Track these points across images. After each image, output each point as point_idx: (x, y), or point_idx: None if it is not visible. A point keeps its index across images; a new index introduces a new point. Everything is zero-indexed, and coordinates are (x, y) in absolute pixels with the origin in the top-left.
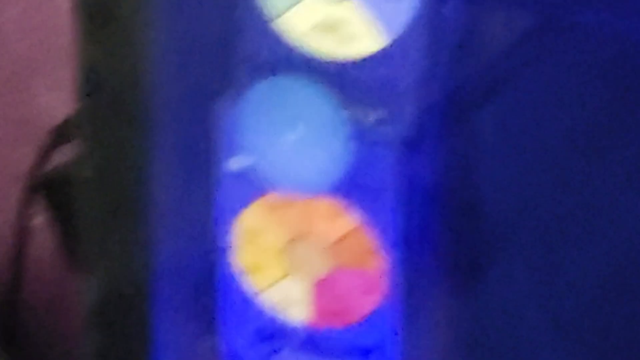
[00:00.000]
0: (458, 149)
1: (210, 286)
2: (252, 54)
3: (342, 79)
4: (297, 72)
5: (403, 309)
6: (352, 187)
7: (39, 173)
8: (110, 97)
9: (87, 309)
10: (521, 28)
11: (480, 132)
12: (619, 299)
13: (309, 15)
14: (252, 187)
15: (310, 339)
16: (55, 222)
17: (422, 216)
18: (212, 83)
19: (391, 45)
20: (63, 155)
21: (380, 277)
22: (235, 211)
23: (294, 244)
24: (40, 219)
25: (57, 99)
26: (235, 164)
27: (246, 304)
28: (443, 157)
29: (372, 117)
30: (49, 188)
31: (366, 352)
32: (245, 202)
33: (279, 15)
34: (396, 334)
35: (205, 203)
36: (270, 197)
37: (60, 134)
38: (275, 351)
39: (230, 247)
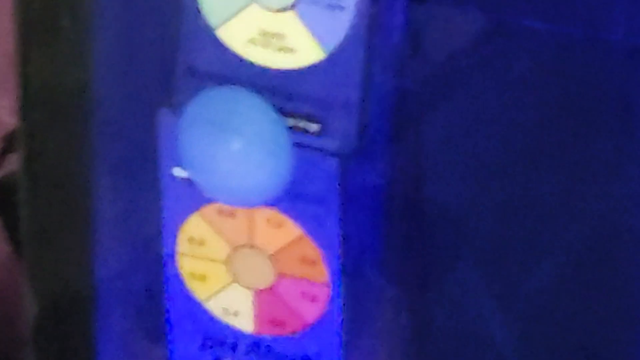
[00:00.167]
0: (401, 158)
1: (155, 295)
2: (194, 63)
3: (282, 90)
4: (238, 82)
5: (346, 318)
6: (293, 198)
7: None
8: (53, 106)
9: (30, 317)
10: (465, 35)
11: (424, 140)
12: (569, 301)
13: (250, 25)
14: (195, 196)
15: (255, 347)
16: (5, 229)
17: (365, 226)
18: (155, 92)
19: (331, 56)
20: (13, 163)
21: (323, 286)
22: (179, 220)
23: (237, 253)
24: None
25: (6, 106)
26: (178, 172)
27: (192, 313)
28: (385, 166)
29: (312, 127)
30: None
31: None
32: (189, 211)
33: (220, 25)
34: (339, 342)
35: (150, 212)
36: (213, 206)
37: (10, 142)
38: (219, 359)
39: (175, 255)
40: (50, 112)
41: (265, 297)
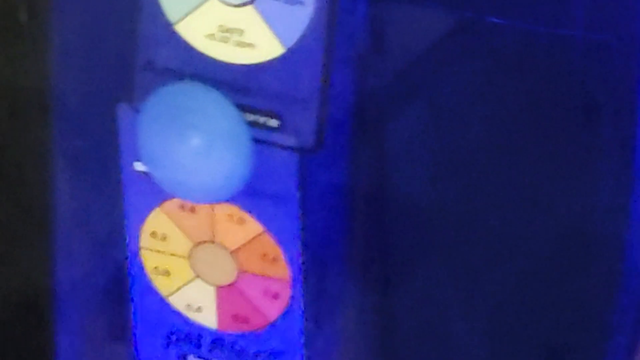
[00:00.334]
0: (363, 154)
1: (119, 291)
2: (153, 58)
3: (242, 85)
4: (197, 77)
5: (308, 315)
6: (253, 194)
7: None
8: (11, 102)
9: None
10: (427, 31)
11: (386, 136)
12: (534, 298)
13: (209, 20)
14: (157, 191)
15: (219, 343)
16: None
17: (326, 222)
18: (115, 87)
19: (290, 51)
20: None
21: (284, 283)
22: (142, 214)
23: (199, 249)
24: None
25: None
26: (139, 167)
27: (156, 308)
28: (346, 162)
29: (272, 122)
30: None
31: (272, 356)
32: (151, 206)
33: (179, 20)
34: (302, 339)
35: (113, 207)
36: (175, 201)
37: None
38: (184, 355)
39: (139, 250)
40: (8, 109)
41: (228, 294)
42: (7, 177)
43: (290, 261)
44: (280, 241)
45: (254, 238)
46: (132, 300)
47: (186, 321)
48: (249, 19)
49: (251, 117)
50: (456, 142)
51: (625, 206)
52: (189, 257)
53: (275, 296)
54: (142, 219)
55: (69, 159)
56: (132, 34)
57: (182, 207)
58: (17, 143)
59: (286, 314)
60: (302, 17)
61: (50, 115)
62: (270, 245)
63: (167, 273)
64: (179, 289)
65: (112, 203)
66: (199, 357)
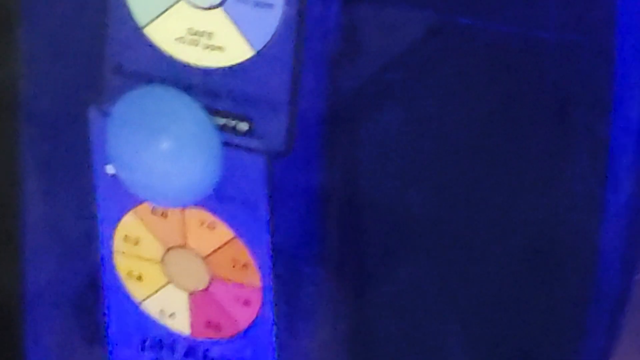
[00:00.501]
0: (334, 158)
1: (92, 296)
2: (121, 61)
3: (211, 88)
4: (166, 80)
5: (279, 323)
6: (224, 199)
7: None
8: None
9: None
10: (400, 33)
11: (358, 139)
12: (508, 298)
13: (178, 23)
14: (129, 194)
15: (192, 350)
16: None
17: (297, 228)
18: (84, 90)
19: (260, 54)
20: None
21: (255, 290)
22: (114, 218)
23: (171, 254)
24: None
25: None
26: (111, 170)
27: (130, 313)
28: (318, 166)
29: (242, 126)
30: None
31: None
32: (123, 209)
33: (148, 23)
34: (273, 347)
35: (85, 211)
36: (147, 205)
37: None
38: None
39: (112, 254)
40: None
41: (200, 300)
42: None
43: (261, 267)
44: (251, 247)
45: (225, 244)
46: (106, 305)
47: (160, 327)
48: (218, 22)
49: (221, 121)
50: (429, 144)
51: (599, 208)
52: (162, 262)
53: (247, 303)
54: (114, 223)
55: (39, 163)
56: (100, 37)
57: (154, 211)
58: None
59: (257, 321)
60: (271, 20)
61: (19, 118)
62: (240, 251)
63: (140, 278)
64: (152, 294)
65: (85, 207)
66: None
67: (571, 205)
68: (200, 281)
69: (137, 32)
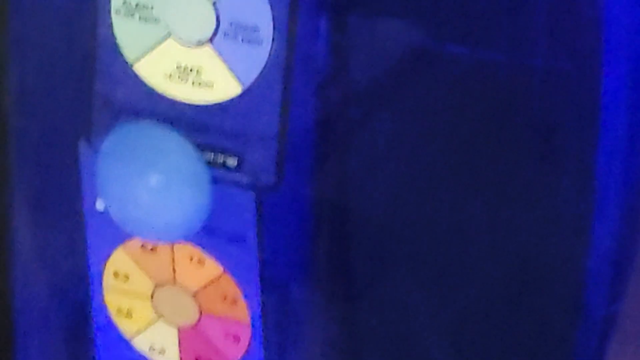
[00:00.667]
0: (321, 192)
1: (82, 332)
2: (111, 97)
3: (200, 124)
4: (155, 116)
5: (270, 355)
6: (213, 234)
7: None
8: None
9: None
10: (389, 61)
11: (346, 170)
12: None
13: (166, 60)
14: (119, 230)
15: None
16: None
17: (287, 263)
18: (74, 125)
19: (248, 90)
20: None
21: (245, 325)
22: (104, 253)
23: (161, 290)
24: None
25: None
26: (101, 205)
27: (120, 350)
28: (307, 199)
29: (230, 161)
30: None
31: None
32: (113, 245)
33: (137, 60)
34: None
35: (75, 246)
36: (136, 241)
37: None
38: None
39: (102, 290)
40: None
41: (190, 336)
42: None
43: (250, 303)
44: (240, 283)
45: (214, 279)
46: (96, 341)
47: None
48: (207, 59)
49: (210, 156)
50: (419, 170)
51: (586, 232)
52: (151, 298)
53: (236, 339)
54: (104, 259)
55: (29, 197)
56: (90, 73)
57: (143, 247)
58: None
59: (246, 356)
60: (260, 56)
61: (11, 152)
62: (230, 286)
63: (129, 314)
64: (141, 330)
65: (75, 242)
66: None
67: (558, 230)
68: (189, 317)
69: (126, 68)
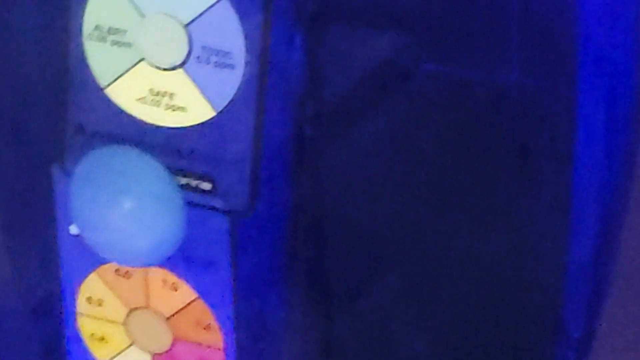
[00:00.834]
0: (297, 214)
1: (57, 356)
2: (83, 121)
3: (174, 148)
4: (128, 140)
5: None
6: (186, 259)
7: None
8: None
9: None
10: (364, 79)
11: (321, 191)
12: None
13: (139, 83)
14: (92, 255)
15: None
16: None
17: (261, 288)
18: (47, 150)
19: (221, 114)
20: None
21: (218, 351)
22: (78, 279)
23: (134, 315)
24: None
25: None
26: (75, 230)
27: None
28: (281, 224)
29: (204, 185)
30: None
31: None
32: (87, 270)
33: (109, 84)
34: None
35: (48, 271)
36: (110, 266)
37: None
38: None
39: (75, 315)
40: None
41: None
42: None
43: (224, 329)
44: (214, 308)
45: (188, 304)
46: None
47: None
48: (180, 83)
49: (184, 181)
50: (395, 188)
51: (562, 251)
52: (125, 323)
53: None
54: (78, 283)
55: (2, 223)
56: (63, 97)
57: (117, 271)
58: None
59: None
60: (232, 80)
61: None
62: (203, 312)
63: (103, 339)
64: (115, 356)
65: (49, 267)
66: None
67: (534, 249)
68: (163, 343)
69: (98, 92)
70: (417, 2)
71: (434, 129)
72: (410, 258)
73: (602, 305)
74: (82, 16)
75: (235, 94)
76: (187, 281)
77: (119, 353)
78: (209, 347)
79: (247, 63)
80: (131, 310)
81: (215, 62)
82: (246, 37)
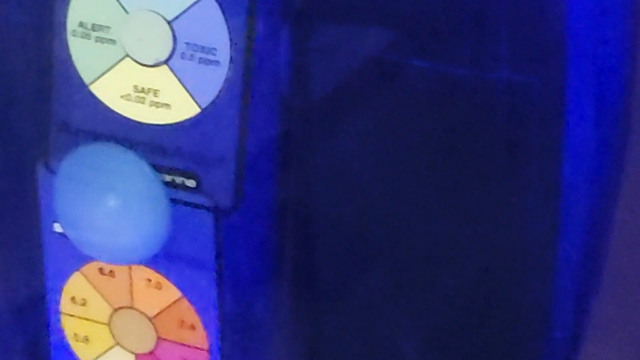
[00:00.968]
0: (282, 211)
1: (40, 356)
2: (67, 119)
3: (158, 145)
4: (113, 137)
5: None
6: (171, 258)
7: None
8: None
9: None
10: (352, 76)
11: (307, 189)
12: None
13: (123, 80)
14: (77, 254)
15: None
16: None
17: (246, 287)
18: (31, 148)
19: (206, 111)
20: None
21: (202, 352)
22: (61, 278)
23: (118, 315)
24: None
25: None
26: (59, 229)
27: None
28: (266, 221)
29: (189, 183)
30: None
31: None
32: (71, 269)
33: (93, 80)
34: None
35: (32, 270)
36: (94, 265)
37: None
38: None
39: (59, 315)
40: None
41: None
42: None
43: (208, 329)
44: (198, 308)
45: (172, 304)
46: None
47: None
48: (164, 79)
49: (168, 178)
50: (382, 185)
51: (552, 247)
52: (109, 323)
53: None
54: (61, 283)
55: None
56: (47, 94)
57: (101, 270)
58: None
59: None
60: (217, 77)
61: None
62: (188, 311)
63: (86, 340)
64: (98, 356)
65: (32, 266)
66: None
67: (524, 245)
68: (146, 343)
69: (82, 89)
70: None
71: (421, 126)
72: (398, 255)
73: (591, 304)
74: (66, 13)
75: (220, 91)
76: (172, 280)
77: (103, 354)
78: (192, 347)
79: (231, 59)
80: (115, 310)
81: (200, 58)
82: (231, 33)
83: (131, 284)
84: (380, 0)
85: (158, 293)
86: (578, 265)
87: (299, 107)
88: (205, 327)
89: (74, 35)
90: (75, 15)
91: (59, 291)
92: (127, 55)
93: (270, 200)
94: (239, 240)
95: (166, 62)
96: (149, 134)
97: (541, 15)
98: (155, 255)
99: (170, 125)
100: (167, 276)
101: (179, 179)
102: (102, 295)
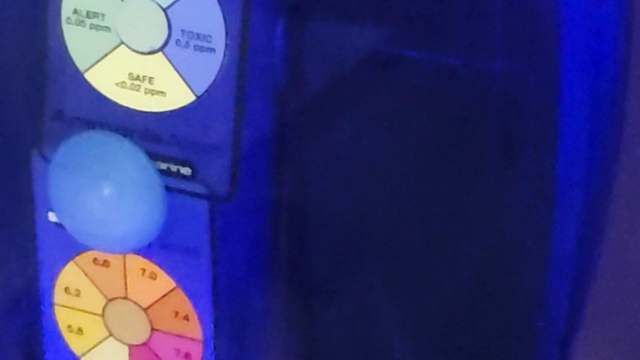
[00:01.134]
0: (278, 201)
1: (32, 349)
2: (62, 107)
3: (153, 133)
4: (108, 125)
5: None
6: (165, 247)
7: None
8: None
9: None
10: (347, 67)
11: (303, 178)
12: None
13: (118, 68)
14: (71, 243)
15: None
16: None
17: (241, 277)
18: (25, 136)
19: (201, 99)
20: None
21: (197, 343)
22: (55, 268)
23: (112, 306)
24: None
25: None
26: (53, 218)
27: None
28: (262, 210)
29: (185, 171)
30: None
31: None
32: (65, 259)
33: (88, 68)
34: None
35: (26, 260)
36: (89, 255)
37: None
38: None
39: (52, 306)
40: None
41: (140, 354)
42: None
43: (202, 320)
44: (192, 298)
45: (166, 294)
46: (46, 358)
47: None
48: (159, 67)
49: (163, 166)
50: (378, 176)
51: (546, 238)
52: (103, 314)
53: (187, 356)
54: (55, 273)
55: None
56: (42, 82)
57: (95, 260)
58: None
59: None
60: (212, 64)
61: None
62: (182, 302)
63: (80, 331)
64: (92, 348)
65: (26, 256)
66: None
67: (517, 237)
68: (140, 334)
69: (77, 77)
70: None
71: (416, 118)
72: (393, 249)
73: (586, 299)
74: (60, 0)
75: (216, 78)
76: (166, 269)
77: (96, 345)
78: (187, 338)
79: (227, 47)
80: (109, 301)
81: (195, 45)
82: (226, 20)
83: (125, 274)
84: None
85: (152, 283)
86: (573, 256)
87: (294, 98)
88: (200, 317)
89: (68, 23)
90: (70, 2)
91: (52, 281)
92: (122, 43)
93: (266, 189)
94: (234, 230)
95: (161, 49)
96: (144, 122)
97: (535, 5)
98: (150, 245)
99: (166, 112)
100: (162, 266)
101: (174, 167)
102: (96, 286)
